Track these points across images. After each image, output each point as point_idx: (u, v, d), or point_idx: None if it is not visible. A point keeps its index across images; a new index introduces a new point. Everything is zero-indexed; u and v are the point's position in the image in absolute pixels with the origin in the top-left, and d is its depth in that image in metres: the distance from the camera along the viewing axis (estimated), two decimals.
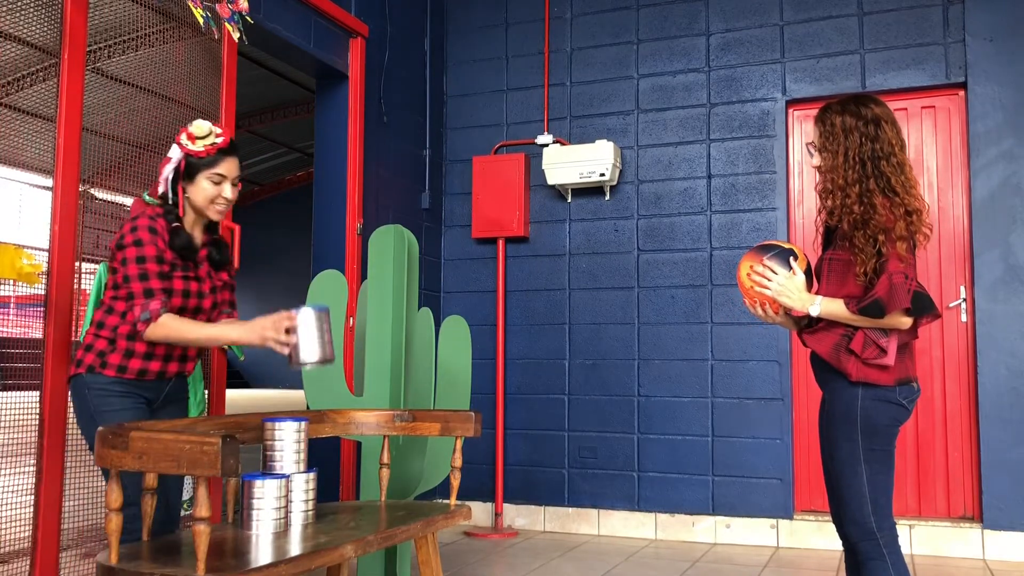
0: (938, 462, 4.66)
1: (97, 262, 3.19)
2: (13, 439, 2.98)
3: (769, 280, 2.47)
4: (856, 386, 2.39)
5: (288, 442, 2.52)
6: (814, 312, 2.43)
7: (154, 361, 2.62)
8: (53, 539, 2.95)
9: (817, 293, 2.48)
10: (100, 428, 2.06)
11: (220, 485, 3.50)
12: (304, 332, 2.52)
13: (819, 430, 2.56)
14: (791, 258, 2.50)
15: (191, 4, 3.42)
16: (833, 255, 2.48)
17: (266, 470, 2.51)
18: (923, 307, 2.36)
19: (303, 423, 2.56)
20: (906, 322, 2.37)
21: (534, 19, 5.60)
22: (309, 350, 2.52)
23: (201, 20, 3.45)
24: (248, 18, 3.77)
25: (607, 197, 5.29)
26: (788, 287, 2.45)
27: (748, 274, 2.53)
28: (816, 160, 2.54)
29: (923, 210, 2.43)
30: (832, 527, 4.76)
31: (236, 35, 3.67)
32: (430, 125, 5.58)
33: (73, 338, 3.05)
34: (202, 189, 2.63)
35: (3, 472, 2.95)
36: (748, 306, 2.59)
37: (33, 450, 2.95)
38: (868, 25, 4.88)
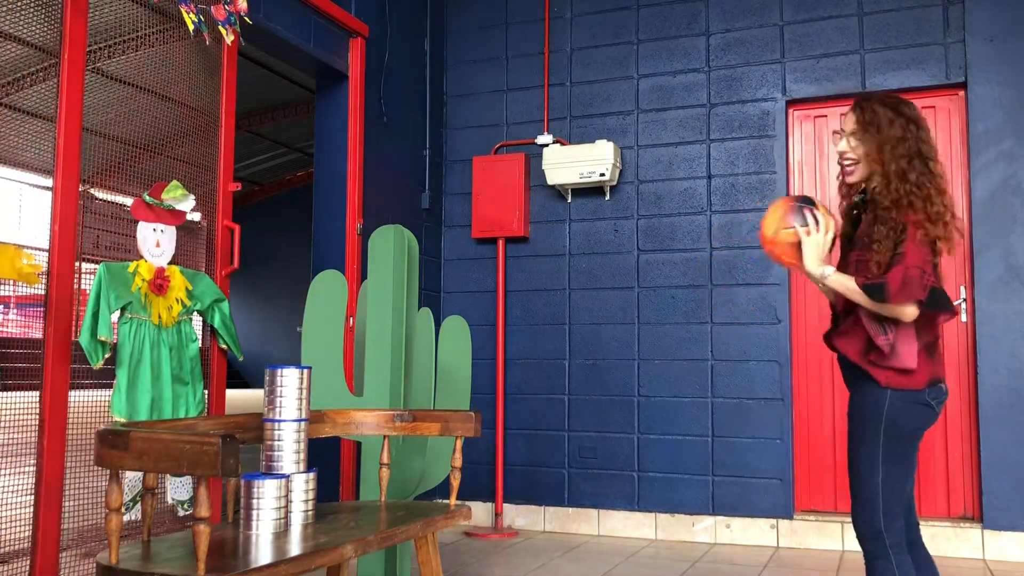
0: (938, 462, 4.66)
1: (97, 262, 3.19)
2: (13, 439, 2.98)
3: (812, 228, 2.46)
4: (886, 389, 2.39)
5: (288, 442, 2.52)
6: (828, 274, 2.43)
7: None
8: (53, 539, 2.95)
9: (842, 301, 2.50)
10: (100, 428, 2.06)
11: (220, 485, 3.50)
12: (287, 391, 2.54)
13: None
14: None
15: (183, 10, 3.41)
16: (860, 256, 2.47)
17: (266, 470, 2.51)
18: (938, 302, 2.36)
19: (303, 423, 2.56)
20: (910, 313, 2.34)
21: (534, 19, 5.60)
22: (289, 409, 2.54)
23: (192, 26, 3.44)
24: (247, 19, 3.77)
25: (607, 197, 5.29)
26: (817, 241, 2.45)
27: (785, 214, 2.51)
28: (843, 145, 2.51)
29: (957, 218, 2.46)
30: (832, 527, 4.78)
31: (229, 39, 3.66)
32: (430, 125, 5.58)
33: (73, 338, 3.05)
34: None
35: (3, 472, 2.95)
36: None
37: (33, 450, 2.95)
38: (868, 25, 4.87)
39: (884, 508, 2.37)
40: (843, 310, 2.53)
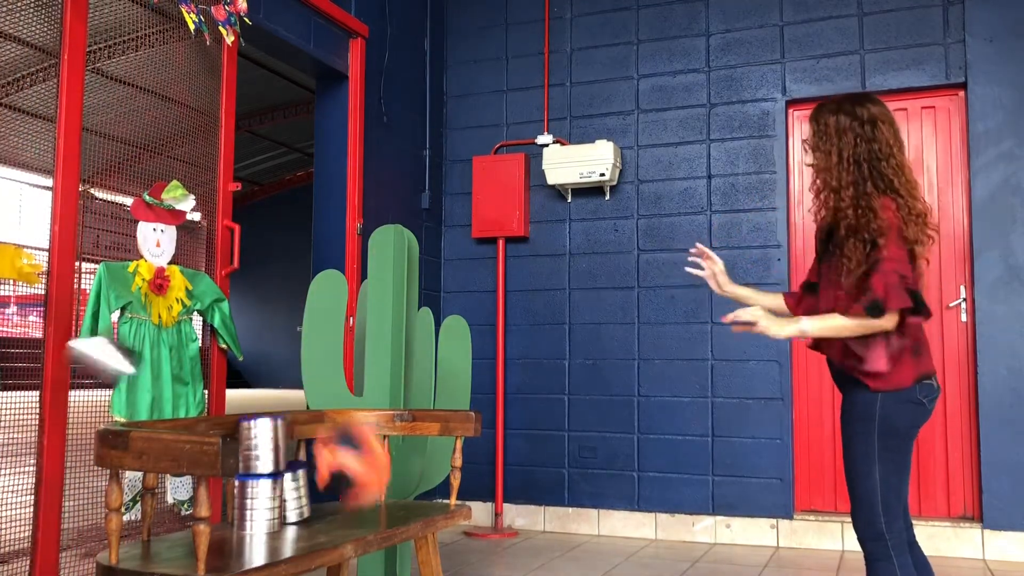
0: (938, 462, 4.66)
1: (97, 262, 3.19)
2: (13, 439, 2.98)
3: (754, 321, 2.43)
4: (876, 392, 2.37)
5: (263, 439, 2.45)
6: (806, 328, 2.37)
7: None
8: (53, 539, 2.95)
9: (808, 309, 2.48)
10: (100, 428, 2.06)
11: (220, 485, 3.50)
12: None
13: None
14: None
15: (183, 9, 3.41)
16: (827, 269, 2.47)
17: (246, 471, 2.46)
18: (920, 307, 2.34)
19: (279, 420, 2.50)
20: (891, 323, 2.31)
21: (534, 19, 5.60)
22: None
23: (192, 26, 3.44)
24: (247, 19, 3.77)
25: (607, 197, 5.29)
26: (770, 318, 2.43)
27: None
28: (809, 158, 2.52)
29: (928, 213, 2.41)
30: (832, 527, 4.78)
31: (230, 39, 3.67)
32: (430, 125, 5.58)
33: (73, 338, 3.05)
34: None
35: (3, 472, 2.95)
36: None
37: (33, 450, 2.95)
38: (868, 25, 4.87)
39: (884, 508, 2.37)
40: (805, 313, 2.52)
